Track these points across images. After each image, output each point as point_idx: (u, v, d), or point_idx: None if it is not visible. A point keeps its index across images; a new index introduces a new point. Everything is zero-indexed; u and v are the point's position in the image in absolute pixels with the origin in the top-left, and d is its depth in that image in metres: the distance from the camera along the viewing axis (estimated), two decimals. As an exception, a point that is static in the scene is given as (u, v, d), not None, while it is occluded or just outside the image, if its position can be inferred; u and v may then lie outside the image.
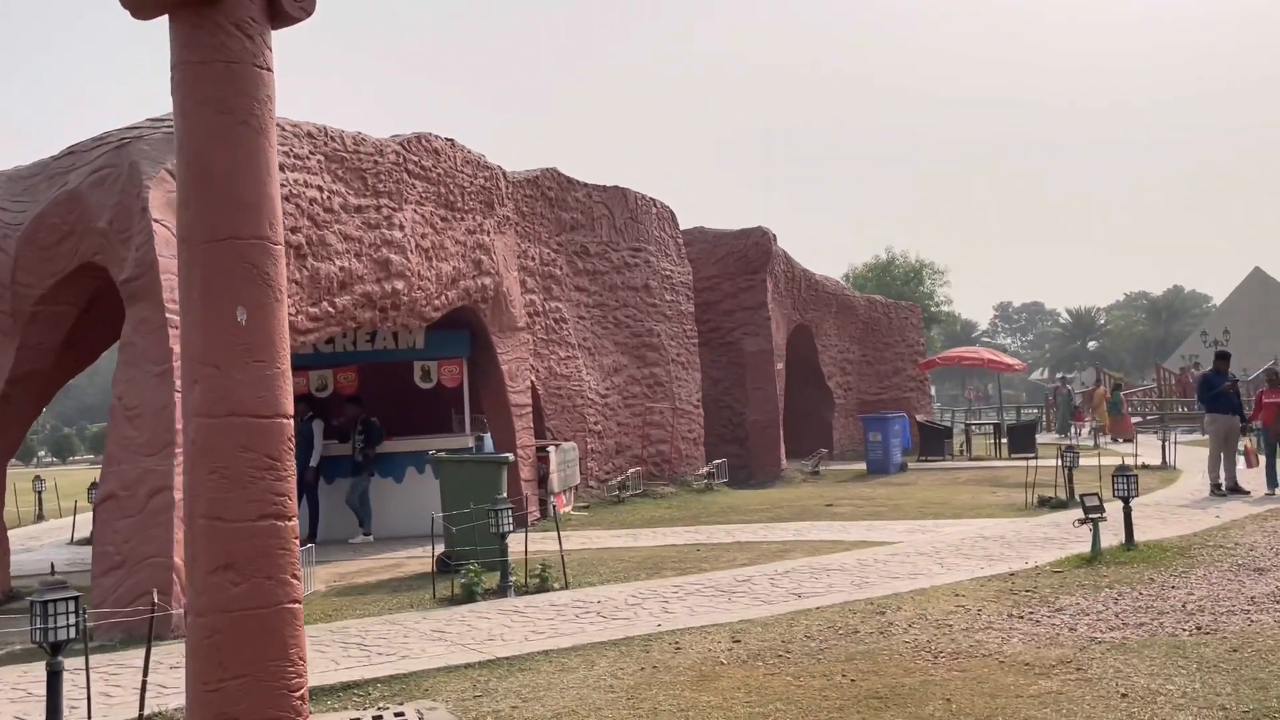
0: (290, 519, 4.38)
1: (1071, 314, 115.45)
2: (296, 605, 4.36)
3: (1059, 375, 50.55)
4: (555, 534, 11.47)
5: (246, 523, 4.20)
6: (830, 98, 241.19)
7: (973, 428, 32.43)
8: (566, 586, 10.67)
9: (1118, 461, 15.52)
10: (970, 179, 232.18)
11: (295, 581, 4.36)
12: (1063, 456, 16.69)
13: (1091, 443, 31.14)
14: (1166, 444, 24.63)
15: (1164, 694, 6.19)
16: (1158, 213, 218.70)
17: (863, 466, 25.60)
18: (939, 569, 10.93)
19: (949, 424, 34.07)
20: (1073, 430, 34.82)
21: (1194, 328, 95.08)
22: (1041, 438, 32.17)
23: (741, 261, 25.54)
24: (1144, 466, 22.18)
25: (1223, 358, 18.69)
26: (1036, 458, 27.45)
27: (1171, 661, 6.87)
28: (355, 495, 15.89)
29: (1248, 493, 16.75)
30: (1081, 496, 11.08)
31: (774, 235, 25.63)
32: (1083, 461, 17.51)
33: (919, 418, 27.78)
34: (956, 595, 9.44)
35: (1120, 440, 31.30)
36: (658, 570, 11.74)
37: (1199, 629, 7.76)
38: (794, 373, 27.40)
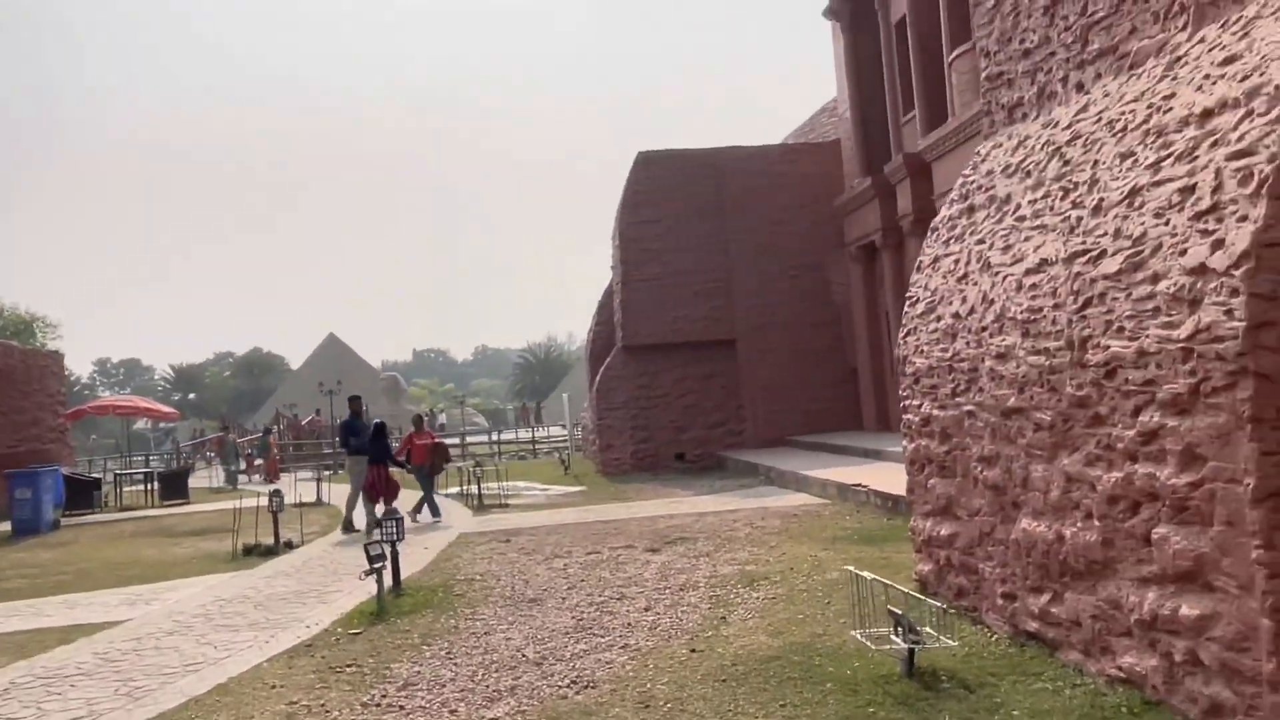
0: None
1: (175, 369, 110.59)
2: None
3: (223, 426, 46.78)
4: None
5: None
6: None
7: (123, 477, 27.62)
8: None
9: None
10: (73, 237, 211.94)
11: None
12: (271, 501, 14.36)
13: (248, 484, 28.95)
14: (321, 483, 23.49)
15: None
16: (242, 278, 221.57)
17: (7, 528, 19.91)
18: (214, 651, 7.98)
19: (98, 474, 28.77)
20: (242, 476, 31.79)
21: (280, 382, 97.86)
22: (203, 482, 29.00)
23: None
24: (302, 504, 20.66)
25: (355, 400, 18.00)
26: (189, 502, 24.86)
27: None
28: None
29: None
30: (366, 546, 9.07)
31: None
32: (247, 503, 15.28)
33: (64, 470, 22.70)
34: (273, 687, 6.76)
35: (269, 480, 29.50)
36: None
37: (577, 683, 6.32)
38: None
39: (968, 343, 6.62)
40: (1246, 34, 4.83)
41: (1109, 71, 6.25)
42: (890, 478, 14.22)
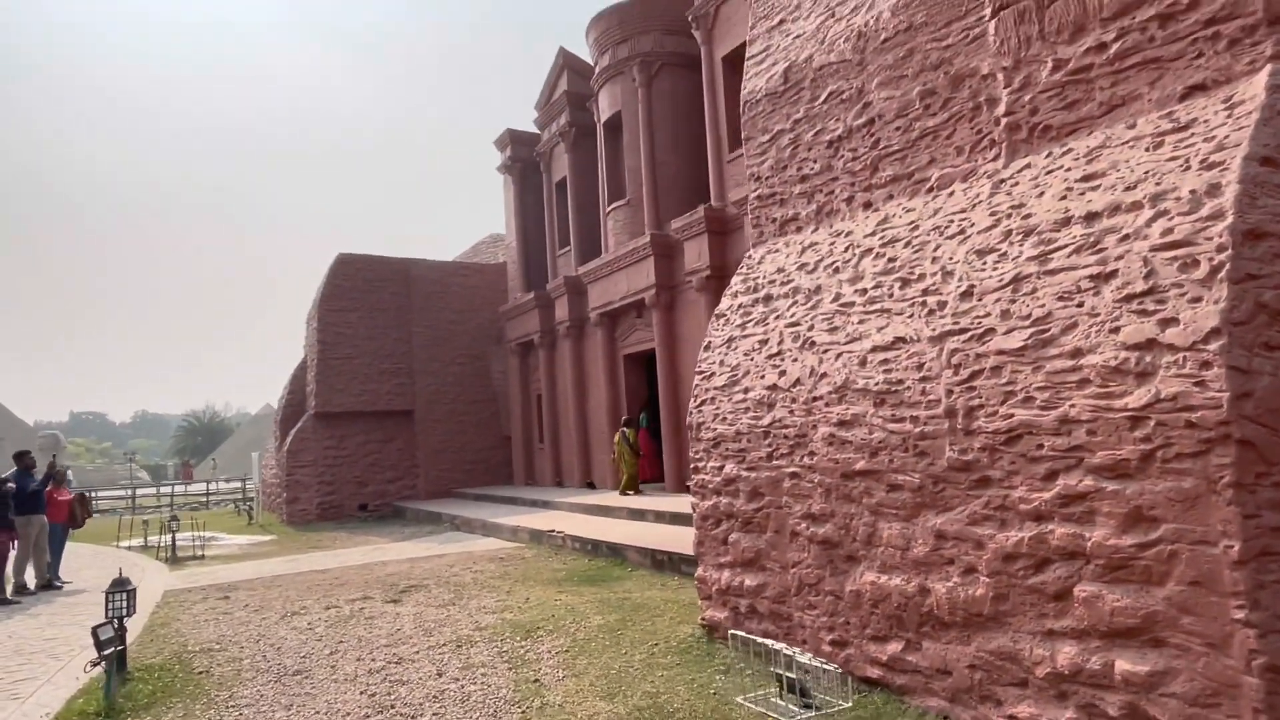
0: None
1: None
2: None
3: None
4: None
5: None
6: None
7: None
8: None
9: None
10: None
11: None
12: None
13: None
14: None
15: None
16: None
17: None
18: None
19: None
20: None
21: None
22: None
23: None
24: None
25: (23, 455, 12.33)
26: None
27: None
28: None
29: (60, 587, 10.97)
30: (95, 629, 5.43)
31: None
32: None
33: None
34: None
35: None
36: None
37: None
38: None
39: (792, 411, 5.27)
40: (1096, 158, 4.09)
41: (903, 193, 5.40)
42: (580, 524, 12.47)
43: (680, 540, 9.85)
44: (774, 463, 5.38)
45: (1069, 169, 4.21)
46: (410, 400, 20.93)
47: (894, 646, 4.48)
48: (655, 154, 15.65)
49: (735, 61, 13.79)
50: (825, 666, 4.09)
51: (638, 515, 12.52)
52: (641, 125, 15.76)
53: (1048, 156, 4.44)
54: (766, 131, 6.64)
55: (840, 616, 4.84)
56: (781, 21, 6.68)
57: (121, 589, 6.00)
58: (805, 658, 4.04)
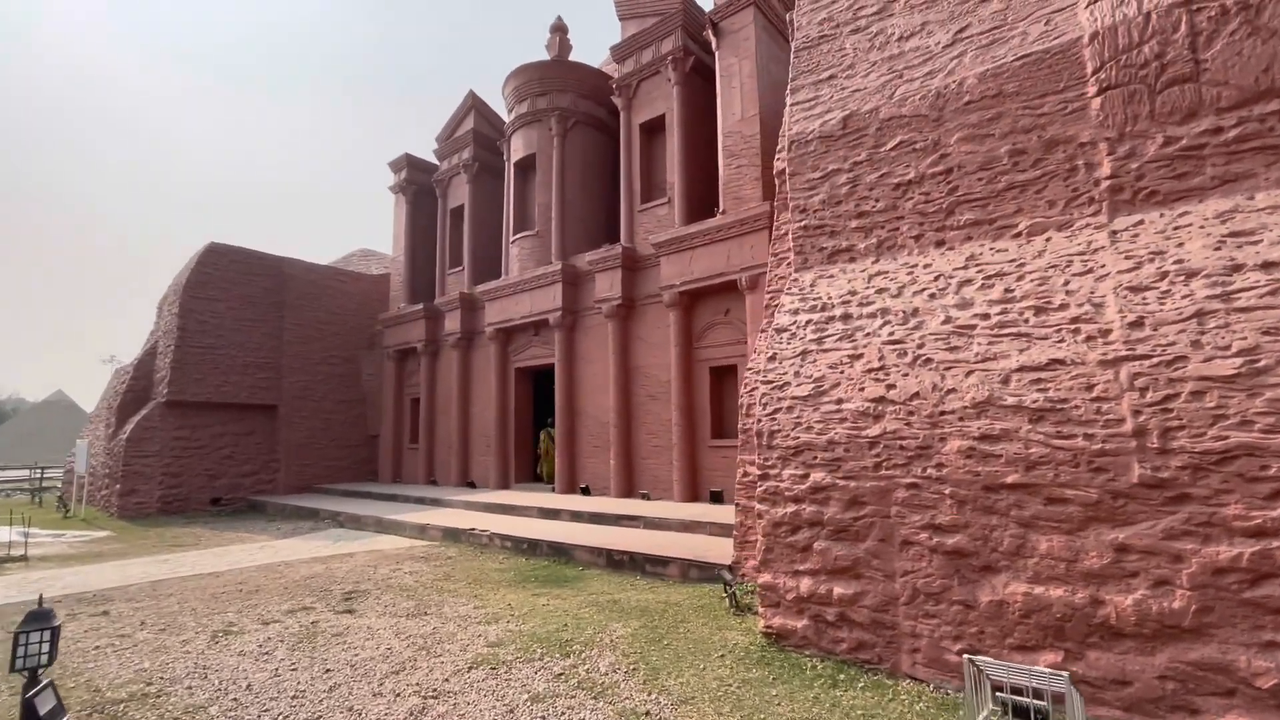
0: None
1: None
2: None
3: None
4: None
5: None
6: None
7: None
8: None
9: None
10: None
11: None
12: None
13: None
14: None
15: None
16: None
17: None
18: None
19: None
20: None
21: None
22: None
23: None
24: None
25: None
26: None
27: None
28: None
29: None
30: (31, 700, 2.79)
31: None
32: None
33: None
34: None
35: None
36: None
37: None
38: None
39: (909, 424, 4.35)
40: (1231, 219, 3.78)
41: (984, 235, 4.83)
42: (496, 522, 10.33)
43: (621, 539, 8.41)
44: (883, 473, 4.41)
45: (1204, 227, 3.86)
46: (276, 395, 16.77)
47: (1050, 656, 3.68)
48: (565, 194, 14.22)
49: (651, 129, 12.97)
50: (1057, 677, 3.19)
51: (550, 514, 10.75)
52: (554, 169, 14.27)
53: (1161, 216, 4.08)
54: (818, 170, 5.81)
55: (972, 626, 3.96)
56: (832, 76, 5.94)
57: (43, 625, 3.31)
58: (1051, 681, 3.09)
